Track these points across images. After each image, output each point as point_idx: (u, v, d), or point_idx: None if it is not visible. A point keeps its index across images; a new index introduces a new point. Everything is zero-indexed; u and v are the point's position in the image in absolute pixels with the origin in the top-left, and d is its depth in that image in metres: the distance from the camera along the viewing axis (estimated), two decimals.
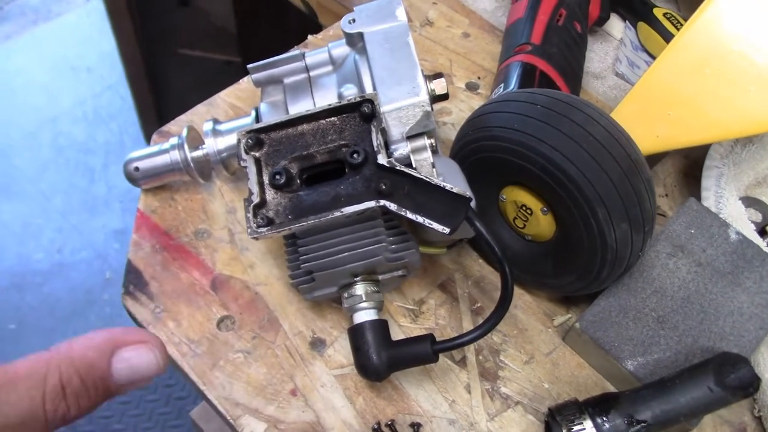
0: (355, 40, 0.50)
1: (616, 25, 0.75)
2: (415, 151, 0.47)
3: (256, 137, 0.44)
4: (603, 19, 0.72)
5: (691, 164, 0.65)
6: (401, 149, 0.47)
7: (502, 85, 0.60)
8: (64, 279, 1.76)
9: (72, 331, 1.68)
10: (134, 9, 1.84)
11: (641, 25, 0.73)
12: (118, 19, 1.87)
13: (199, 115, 0.62)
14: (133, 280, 0.52)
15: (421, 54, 0.70)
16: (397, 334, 0.51)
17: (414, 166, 0.46)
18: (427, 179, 0.42)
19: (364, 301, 0.46)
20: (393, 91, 0.46)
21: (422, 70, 0.47)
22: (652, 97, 0.53)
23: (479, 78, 0.69)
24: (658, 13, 0.72)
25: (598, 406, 0.45)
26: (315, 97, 0.51)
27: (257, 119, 0.52)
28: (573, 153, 0.44)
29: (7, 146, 2.00)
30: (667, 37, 0.70)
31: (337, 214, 0.42)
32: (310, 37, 0.70)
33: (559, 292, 0.53)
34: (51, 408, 0.27)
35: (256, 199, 0.43)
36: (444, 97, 0.50)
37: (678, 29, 0.70)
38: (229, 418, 0.47)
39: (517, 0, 0.68)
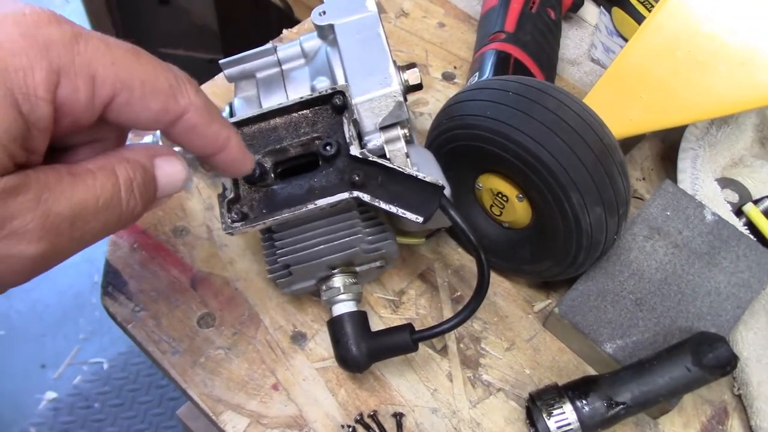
0: (326, 32, 0.50)
1: (590, 10, 0.75)
2: (388, 141, 0.47)
3: None
4: (577, 5, 0.72)
5: (667, 148, 0.65)
6: (375, 140, 0.47)
7: (477, 73, 0.60)
8: (52, 284, 1.75)
9: (62, 336, 1.68)
10: (114, 9, 1.83)
11: (615, 10, 0.74)
12: (98, 20, 1.86)
13: None
14: (112, 280, 0.52)
15: (397, 45, 0.70)
16: (378, 325, 0.51)
17: (388, 156, 0.46)
18: (400, 169, 0.42)
19: (343, 293, 0.47)
20: (365, 82, 0.46)
21: (395, 61, 0.47)
22: (624, 80, 0.53)
23: (455, 67, 0.69)
24: None
25: (577, 390, 0.45)
26: (288, 91, 0.51)
27: (231, 114, 0.52)
28: (546, 139, 0.44)
29: None
30: (641, 21, 0.70)
31: (311, 206, 0.42)
32: (285, 31, 0.70)
33: (538, 277, 0.53)
34: (125, 197, 0.30)
35: (230, 195, 0.43)
36: (418, 87, 0.50)
37: None
38: (211, 414, 0.47)
39: None
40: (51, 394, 1.60)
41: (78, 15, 2.26)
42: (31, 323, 1.68)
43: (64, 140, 0.31)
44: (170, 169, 0.33)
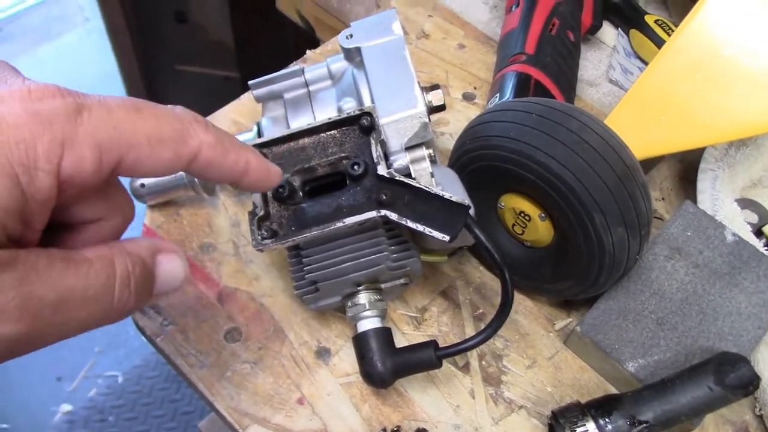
0: (353, 55, 0.51)
1: (608, 32, 0.76)
2: (413, 161, 0.48)
3: (260, 151, 0.45)
4: (596, 28, 0.73)
5: (686, 168, 0.66)
6: (400, 160, 0.48)
7: (498, 94, 0.62)
8: None
9: (78, 348, 1.69)
10: (133, 27, 1.86)
11: (633, 32, 0.75)
12: (117, 38, 1.89)
13: None
14: None
15: (417, 66, 0.71)
16: (400, 342, 0.52)
17: (413, 176, 0.47)
18: (427, 189, 0.43)
19: (368, 310, 0.47)
20: (391, 104, 0.47)
21: (419, 82, 0.49)
22: (645, 102, 0.54)
23: (475, 88, 0.70)
24: (649, 20, 0.73)
25: (600, 408, 0.46)
26: (315, 111, 0.52)
27: (259, 134, 0.53)
28: (569, 160, 0.45)
29: None
30: (659, 43, 0.71)
31: (339, 224, 0.43)
32: (308, 52, 0.71)
33: (559, 296, 0.54)
34: (119, 292, 0.29)
35: (260, 212, 0.44)
36: (441, 108, 0.51)
37: (669, 35, 0.71)
38: (237, 427, 0.47)
39: (510, 11, 0.69)
40: (66, 407, 1.61)
41: (98, 33, 2.30)
42: None
43: (70, 215, 0.31)
44: (170, 267, 0.32)
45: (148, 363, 1.70)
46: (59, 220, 0.30)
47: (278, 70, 0.53)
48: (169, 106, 0.31)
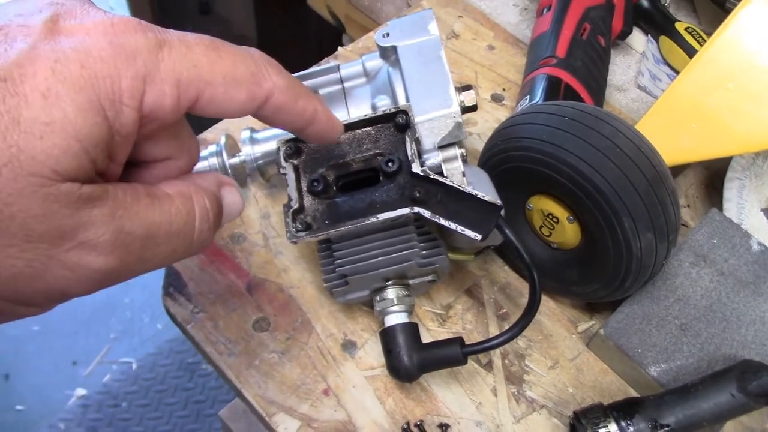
0: (389, 53, 0.52)
1: (638, 38, 0.77)
2: (446, 160, 0.49)
3: (296, 146, 0.46)
4: (626, 33, 0.73)
5: (712, 175, 0.66)
6: (433, 158, 0.48)
7: (528, 96, 0.62)
8: None
9: (94, 334, 1.71)
10: (157, 16, 1.88)
11: (663, 38, 0.75)
12: None
13: (233, 123, 0.64)
14: (173, 282, 0.54)
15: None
16: (425, 338, 0.52)
17: (445, 174, 0.48)
18: (460, 188, 0.43)
19: (396, 305, 0.48)
20: (426, 103, 0.48)
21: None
22: (676, 110, 0.54)
23: (504, 89, 0.71)
24: (679, 27, 0.73)
25: (622, 410, 0.46)
26: (349, 108, 0.53)
27: None
28: (600, 164, 0.45)
29: None
30: (689, 50, 0.71)
31: (372, 220, 0.44)
32: (340, 49, 0.72)
33: (584, 299, 0.54)
34: (199, 227, 0.30)
35: (295, 205, 0.45)
36: (473, 108, 0.52)
37: (699, 43, 0.71)
38: (264, 415, 0.48)
39: (541, 14, 0.70)
40: (81, 391, 1.64)
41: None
42: (64, 320, 1.72)
43: (143, 153, 0.31)
44: (232, 199, 0.34)
45: (162, 351, 1.72)
46: (132, 157, 0.30)
47: (300, 66, 0.54)
48: (243, 47, 0.31)
